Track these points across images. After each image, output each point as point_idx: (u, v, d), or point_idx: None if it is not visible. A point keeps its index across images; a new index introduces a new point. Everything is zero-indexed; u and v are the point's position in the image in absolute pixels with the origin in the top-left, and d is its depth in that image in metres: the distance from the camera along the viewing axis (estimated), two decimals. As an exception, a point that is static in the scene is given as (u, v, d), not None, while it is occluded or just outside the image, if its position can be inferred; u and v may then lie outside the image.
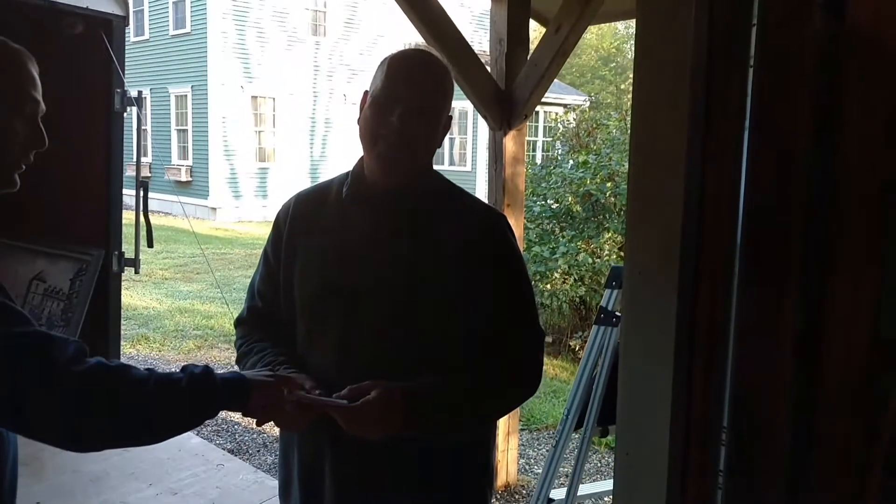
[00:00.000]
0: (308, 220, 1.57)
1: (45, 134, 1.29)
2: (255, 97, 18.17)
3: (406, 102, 1.43)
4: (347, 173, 1.56)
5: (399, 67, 1.47)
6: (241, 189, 18.08)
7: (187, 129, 18.43)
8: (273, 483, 3.50)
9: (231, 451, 4.28)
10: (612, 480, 1.61)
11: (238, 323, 1.67)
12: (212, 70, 17.42)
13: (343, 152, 19.48)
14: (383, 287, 1.47)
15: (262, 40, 18.05)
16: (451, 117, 1.54)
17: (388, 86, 1.45)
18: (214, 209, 17.64)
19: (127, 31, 4.16)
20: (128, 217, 4.13)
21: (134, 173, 4.21)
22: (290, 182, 18.69)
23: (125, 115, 4.09)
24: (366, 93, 1.51)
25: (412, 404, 1.36)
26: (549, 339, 7.20)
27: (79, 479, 3.29)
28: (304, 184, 18.35)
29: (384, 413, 1.32)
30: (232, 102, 17.68)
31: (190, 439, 3.84)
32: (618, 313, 2.40)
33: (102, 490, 3.25)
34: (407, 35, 19.97)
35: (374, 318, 1.46)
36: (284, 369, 1.45)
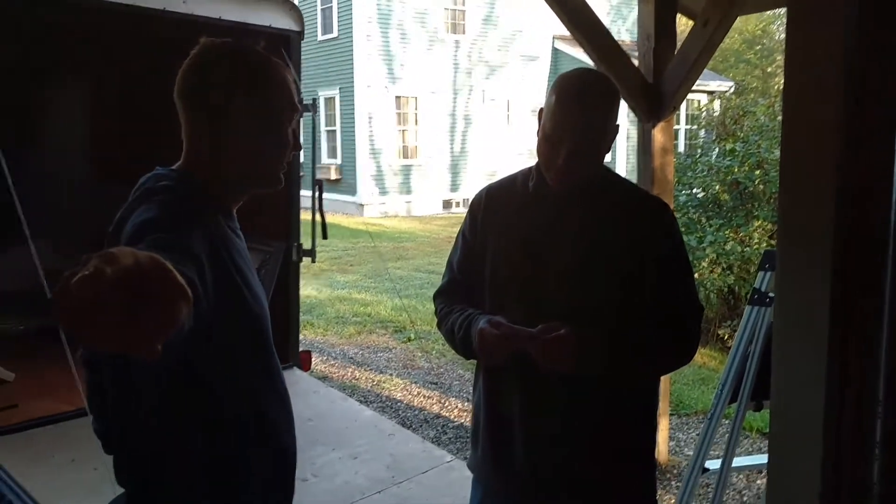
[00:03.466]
0: (499, 207, 1.85)
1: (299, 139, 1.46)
2: (399, 97, 18.84)
3: (570, 143, 1.65)
4: (531, 168, 1.83)
5: (564, 104, 1.67)
6: (386, 185, 18.83)
7: (335, 130, 19.38)
8: (439, 453, 3.83)
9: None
10: (765, 455, 1.70)
11: (438, 294, 1.97)
12: (358, 72, 18.24)
13: (482, 149, 19.87)
14: (562, 265, 1.72)
15: (404, 41, 18.69)
16: (618, 125, 1.75)
17: (554, 124, 1.67)
18: (362, 205, 18.46)
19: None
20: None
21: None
22: (432, 178, 19.27)
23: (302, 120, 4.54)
24: (541, 109, 1.74)
25: (593, 344, 1.61)
26: (697, 328, 7.17)
27: (272, 443, 3.74)
28: (445, 180, 18.57)
29: (573, 346, 1.57)
30: (377, 102, 18.43)
31: (363, 412, 4.25)
32: (771, 294, 2.53)
33: (292, 452, 3.68)
34: (545, 30, 20.09)
35: (554, 291, 1.72)
36: (480, 315, 1.74)
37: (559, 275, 1.72)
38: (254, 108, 1.38)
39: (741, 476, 4.10)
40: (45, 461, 3.24)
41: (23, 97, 5.44)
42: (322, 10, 19.29)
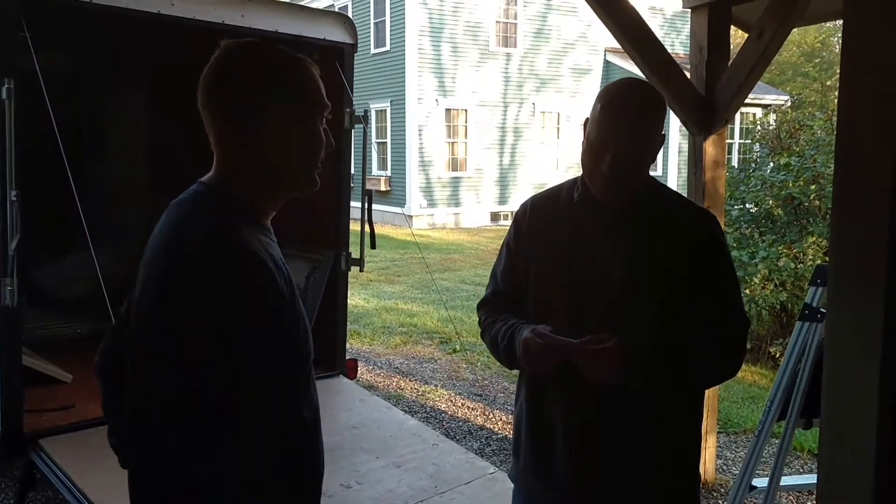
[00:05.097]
0: (543, 217, 1.86)
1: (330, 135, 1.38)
2: (449, 109, 18.94)
3: (615, 150, 1.66)
4: (576, 179, 1.83)
5: (609, 113, 1.68)
6: (435, 197, 18.91)
7: (386, 142, 19.57)
8: (482, 464, 3.82)
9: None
10: (815, 475, 1.65)
11: (481, 304, 1.98)
12: (409, 85, 18.39)
13: (532, 162, 19.82)
14: (607, 274, 1.72)
15: (455, 55, 18.79)
16: (663, 136, 1.75)
17: (599, 132, 1.68)
18: (410, 217, 18.56)
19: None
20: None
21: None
22: (481, 190, 19.29)
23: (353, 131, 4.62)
24: (587, 120, 1.75)
25: (636, 355, 1.61)
26: (747, 345, 7.03)
27: (317, 449, 3.78)
28: (494, 192, 18.49)
29: (619, 358, 1.57)
30: (427, 115, 18.55)
31: (408, 421, 4.26)
32: (822, 310, 2.48)
33: (337, 459, 3.70)
34: (597, 43, 20.00)
35: (598, 300, 1.72)
36: (524, 325, 1.74)
37: (603, 285, 1.72)
38: (282, 108, 1.31)
39: (791, 497, 4.00)
40: (99, 461, 3.31)
41: (85, 111, 5.63)
42: (375, 23, 19.53)
